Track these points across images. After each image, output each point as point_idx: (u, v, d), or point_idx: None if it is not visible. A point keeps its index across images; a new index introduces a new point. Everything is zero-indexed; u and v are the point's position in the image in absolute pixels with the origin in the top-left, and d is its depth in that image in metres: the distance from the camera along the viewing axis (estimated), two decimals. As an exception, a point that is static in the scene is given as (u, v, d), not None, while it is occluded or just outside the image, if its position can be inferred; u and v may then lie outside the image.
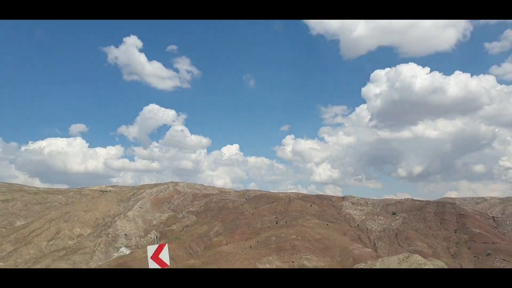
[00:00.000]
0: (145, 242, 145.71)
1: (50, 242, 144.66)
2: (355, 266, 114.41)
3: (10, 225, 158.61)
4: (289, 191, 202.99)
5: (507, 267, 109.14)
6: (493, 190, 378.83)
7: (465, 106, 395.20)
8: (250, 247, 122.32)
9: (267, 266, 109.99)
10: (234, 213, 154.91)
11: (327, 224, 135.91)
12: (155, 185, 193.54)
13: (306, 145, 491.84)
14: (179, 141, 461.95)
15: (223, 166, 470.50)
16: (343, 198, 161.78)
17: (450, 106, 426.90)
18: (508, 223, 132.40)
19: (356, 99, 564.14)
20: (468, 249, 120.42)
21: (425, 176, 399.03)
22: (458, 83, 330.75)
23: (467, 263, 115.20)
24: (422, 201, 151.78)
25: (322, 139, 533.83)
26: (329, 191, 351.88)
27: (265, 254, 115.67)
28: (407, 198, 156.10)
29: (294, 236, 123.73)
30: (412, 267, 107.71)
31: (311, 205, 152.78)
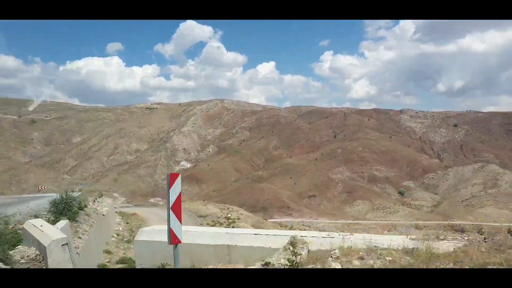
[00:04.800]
0: (204, 156, 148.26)
1: (111, 157, 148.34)
2: (426, 176, 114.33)
3: (68, 141, 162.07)
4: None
5: None
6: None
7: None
8: (316, 159, 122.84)
9: (339, 176, 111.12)
10: (290, 128, 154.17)
11: (390, 137, 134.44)
12: (202, 102, 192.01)
13: (345, 61, 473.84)
14: (215, 58, 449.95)
15: (258, 85, 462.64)
16: (401, 111, 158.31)
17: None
18: None
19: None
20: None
21: (464, 91, 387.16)
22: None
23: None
24: (486, 113, 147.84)
25: (362, 55, 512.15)
26: (364, 108, 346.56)
27: (334, 165, 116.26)
28: (469, 110, 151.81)
29: (361, 149, 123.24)
30: (489, 176, 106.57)
31: (368, 119, 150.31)
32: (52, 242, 8.01)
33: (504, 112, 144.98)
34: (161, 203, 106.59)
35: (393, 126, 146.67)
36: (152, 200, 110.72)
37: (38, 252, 9.03)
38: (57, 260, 8.00)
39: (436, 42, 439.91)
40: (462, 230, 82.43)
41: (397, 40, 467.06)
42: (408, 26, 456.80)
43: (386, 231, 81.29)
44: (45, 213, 12.92)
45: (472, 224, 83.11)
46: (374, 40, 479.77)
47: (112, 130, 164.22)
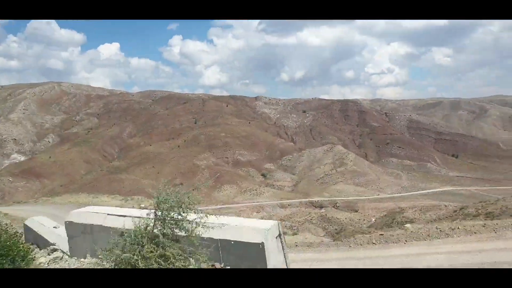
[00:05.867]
0: (42, 147, 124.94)
1: None
2: (283, 158, 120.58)
3: None
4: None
5: (402, 153, 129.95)
6: (358, 94, 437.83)
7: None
8: (179, 146, 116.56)
9: (204, 162, 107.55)
10: (145, 114, 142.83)
11: (249, 122, 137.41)
12: (34, 85, 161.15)
13: (195, 46, 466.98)
14: (45, 35, 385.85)
15: (101, 68, 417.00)
16: (256, 98, 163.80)
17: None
18: (397, 117, 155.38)
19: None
20: (370, 140, 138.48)
21: (305, 81, 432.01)
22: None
23: (370, 152, 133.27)
24: (328, 100, 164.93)
25: (211, 41, 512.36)
26: (216, 94, 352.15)
27: (198, 152, 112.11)
28: (314, 98, 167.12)
29: (223, 134, 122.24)
30: (337, 156, 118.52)
31: (227, 105, 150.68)
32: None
33: (342, 100, 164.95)
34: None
35: (250, 112, 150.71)
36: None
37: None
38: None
39: (279, 34, 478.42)
40: (321, 206, 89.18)
41: (244, 30, 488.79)
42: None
43: (255, 212, 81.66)
44: None
45: (328, 200, 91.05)
46: (223, 27, 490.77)
47: None
